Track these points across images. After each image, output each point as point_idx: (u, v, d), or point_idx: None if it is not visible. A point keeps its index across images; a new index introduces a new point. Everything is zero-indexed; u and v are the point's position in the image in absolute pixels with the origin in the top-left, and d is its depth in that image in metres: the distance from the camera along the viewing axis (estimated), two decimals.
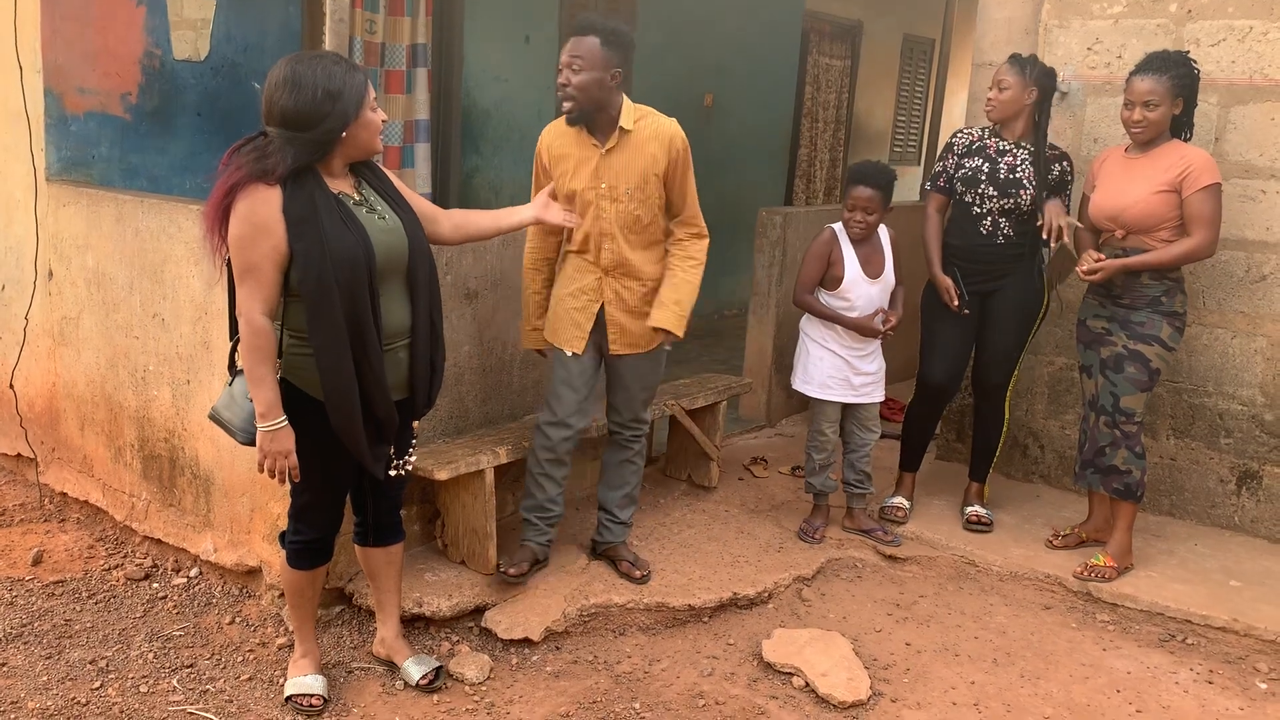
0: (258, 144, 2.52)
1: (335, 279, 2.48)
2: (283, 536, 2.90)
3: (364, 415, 2.61)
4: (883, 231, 3.92)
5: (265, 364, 2.52)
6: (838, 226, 3.91)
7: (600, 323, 3.39)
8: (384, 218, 2.67)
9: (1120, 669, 3.30)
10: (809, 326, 3.98)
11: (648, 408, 3.59)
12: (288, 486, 2.75)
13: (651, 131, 3.25)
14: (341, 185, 2.64)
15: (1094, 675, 3.26)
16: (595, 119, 3.22)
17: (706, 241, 3.44)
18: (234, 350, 2.70)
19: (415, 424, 2.90)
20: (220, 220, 2.50)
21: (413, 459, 2.92)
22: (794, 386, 4.05)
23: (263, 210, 2.46)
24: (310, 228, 2.48)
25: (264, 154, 2.48)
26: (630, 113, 3.24)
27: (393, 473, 2.84)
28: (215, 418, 2.70)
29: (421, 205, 2.89)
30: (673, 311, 3.35)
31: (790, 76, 8.76)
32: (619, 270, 3.34)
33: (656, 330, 3.39)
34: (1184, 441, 4.28)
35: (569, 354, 3.38)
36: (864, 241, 3.88)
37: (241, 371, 2.60)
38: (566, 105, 3.19)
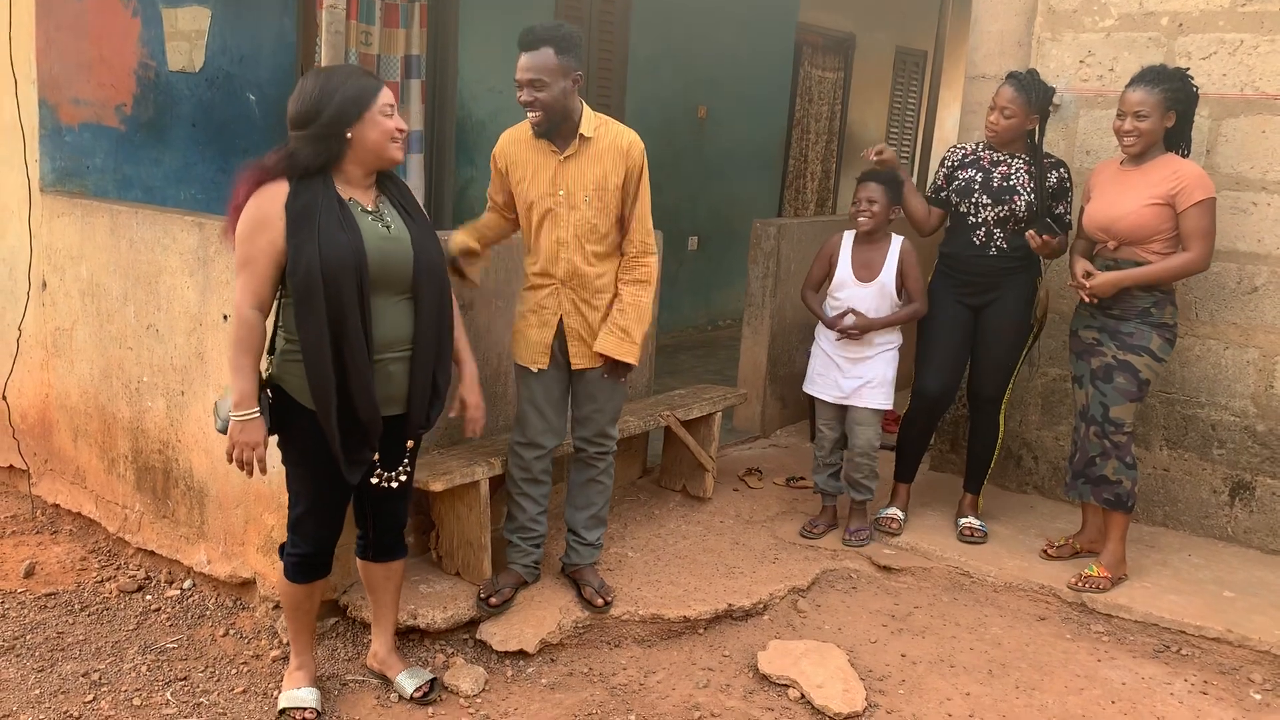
0: (275, 149, 2.63)
1: (323, 277, 2.52)
2: (282, 549, 2.89)
3: (348, 417, 2.62)
4: (895, 241, 3.96)
5: (247, 355, 2.60)
6: (848, 233, 4.05)
7: (561, 336, 3.30)
8: (389, 226, 2.69)
9: (1115, 680, 3.30)
10: (817, 325, 4.15)
11: (614, 424, 3.46)
12: (285, 499, 2.74)
13: (611, 140, 3.20)
14: (358, 194, 2.68)
15: (1089, 686, 3.26)
16: (558, 127, 3.17)
17: (654, 258, 3.32)
18: None
19: (410, 443, 2.85)
20: (236, 220, 2.61)
21: (402, 477, 2.86)
22: None
23: (266, 205, 2.56)
24: (306, 225, 2.53)
25: (273, 155, 2.61)
26: (590, 120, 3.19)
27: (374, 481, 2.81)
28: (215, 411, 2.76)
29: None
30: (615, 338, 3.24)
31: (783, 89, 8.79)
32: (575, 281, 3.24)
33: (602, 357, 3.28)
34: (1177, 452, 4.29)
35: (534, 370, 3.32)
36: (867, 244, 3.96)
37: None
38: (534, 117, 3.12)
